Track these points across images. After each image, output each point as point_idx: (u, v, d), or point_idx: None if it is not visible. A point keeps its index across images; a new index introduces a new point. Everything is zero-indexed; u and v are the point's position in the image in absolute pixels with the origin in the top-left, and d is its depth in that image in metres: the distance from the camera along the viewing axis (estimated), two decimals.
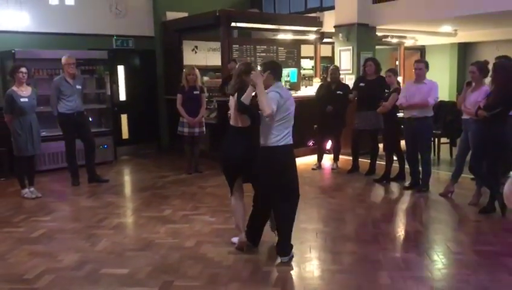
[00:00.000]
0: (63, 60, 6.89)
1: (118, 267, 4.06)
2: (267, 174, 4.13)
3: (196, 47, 10.32)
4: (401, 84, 7.09)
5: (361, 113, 7.23)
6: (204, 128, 7.74)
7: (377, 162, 7.40)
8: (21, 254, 4.42)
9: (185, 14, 9.83)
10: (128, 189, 7.41)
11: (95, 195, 6.55)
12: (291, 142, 4.18)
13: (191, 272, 3.92)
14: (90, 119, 7.93)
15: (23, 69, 6.29)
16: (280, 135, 4.06)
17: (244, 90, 4.08)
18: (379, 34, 9.70)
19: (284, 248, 4.16)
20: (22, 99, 6.23)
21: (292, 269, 4.02)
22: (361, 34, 8.85)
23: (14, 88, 6.29)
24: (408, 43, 11.76)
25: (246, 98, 4.03)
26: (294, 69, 10.42)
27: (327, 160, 8.20)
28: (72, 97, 6.86)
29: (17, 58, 7.50)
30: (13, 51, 7.69)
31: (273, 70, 4.12)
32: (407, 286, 3.64)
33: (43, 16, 8.49)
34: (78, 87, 7.01)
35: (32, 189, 6.49)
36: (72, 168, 7.11)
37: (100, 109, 8.99)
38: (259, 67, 4.46)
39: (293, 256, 4.17)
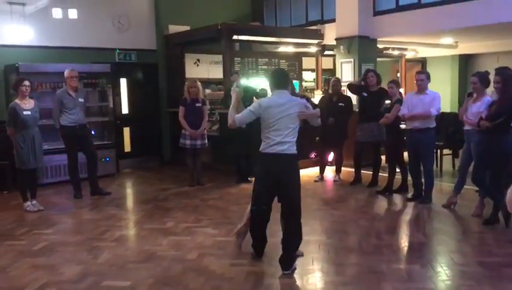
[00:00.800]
0: (66, 73, 6.94)
1: (119, 279, 4.04)
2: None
3: (198, 60, 10.39)
4: (403, 96, 7.09)
5: (364, 125, 7.23)
6: (206, 140, 7.75)
7: (380, 173, 7.39)
8: (22, 267, 4.40)
9: (187, 28, 9.91)
10: (130, 201, 7.41)
11: (97, 208, 6.55)
12: (285, 152, 4.11)
13: (193, 285, 3.89)
14: (93, 132, 7.95)
15: (27, 82, 6.32)
16: (265, 142, 4.16)
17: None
18: (380, 46, 9.75)
19: (288, 261, 4.13)
20: (24, 112, 6.26)
21: (295, 281, 3.99)
22: (363, 46, 8.90)
23: (17, 101, 6.32)
24: (409, 55, 11.82)
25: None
26: (296, 82, 10.42)
27: (329, 172, 8.19)
28: (74, 110, 6.89)
29: (20, 72, 7.55)
30: (17, 65, 7.76)
31: (269, 80, 4.36)
32: None
33: (46, 29, 8.58)
34: (81, 100, 7.04)
35: (34, 202, 6.48)
36: (75, 181, 7.12)
37: (103, 122, 9.02)
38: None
39: (295, 268, 4.14)
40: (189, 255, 4.59)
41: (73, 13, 8.16)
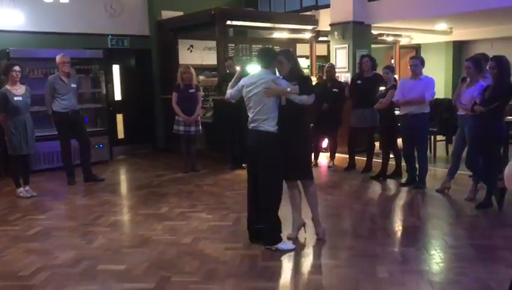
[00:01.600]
0: (58, 58, 6.86)
1: (114, 263, 4.03)
2: None
3: (192, 46, 10.30)
4: (397, 82, 7.09)
5: (358, 111, 7.22)
6: (200, 127, 7.72)
7: (374, 159, 7.40)
8: (17, 251, 4.38)
9: (180, 13, 9.81)
10: (124, 188, 7.39)
11: (91, 194, 6.52)
12: (257, 128, 4.20)
13: (188, 268, 3.89)
14: (85, 119, 7.89)
15: (17, 68, 6.25)
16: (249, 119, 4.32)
17: None
18: (374, 32, 9.73)
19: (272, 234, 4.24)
20: (15, 98, 6.19)
21: (289, 264, 4.00)
22: (357, 32, 8.87)
23: (8, 87, 6.24)
24: (403, 41, 11.79)
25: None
26: None
27: (323, 158, 8.20)
28: (66, 96, 6.82)
29: (11, 58, 7.44)
30: (8, 50, 7.65)
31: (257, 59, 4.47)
32: (405, 280, 3.62)
33: (37, 14, 8.46)
34: (73, 86, 6.98)
35: (27, 188, 6.44)
36: (68, 167, 7.07)
37: (95, 108, 8.95)
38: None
39: (279, 249, 4.20)
40: (184, 239, 4.58)
41: None
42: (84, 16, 9.09)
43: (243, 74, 5.08)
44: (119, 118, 9.60)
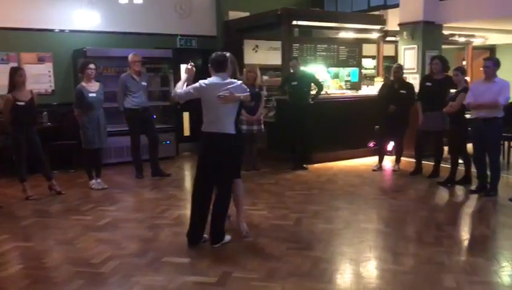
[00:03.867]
0: (130, 57, 7.16)
1: (178, 256, 4.15)
2: None
3: (257, 46, 10.39)
4: (469, 84, 6.78)
5: (427, 114, 6.98)
6: (262, 126, 7.77)
7: (441, 164, 7.13)
8: (88, 240, 4.63)
9: (247, 14, 9.93)
10: (189, 183, 7.55)
11: (157, 188, 6.76)
12: (213, 130, 4.44)
13: (250, 265, 3.94)
14: (153, 116, 8.17)
15: (92, 66, 6.59)
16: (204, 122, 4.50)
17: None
18: (445, 32, 9.35)
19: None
20: (90, 95, 6.52)
21: (352, 267, 3.95)
22: (427, 33, 8.58)
23: (83, 84, 6.59)
24: (477, 42, 11.25)
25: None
26: (355, 69, 10.25)
27: (387, 161, 8.01)
28: (137, 93, 7.12)
29: (87, 56, 7.86)
30: (84, 49, 8.09)
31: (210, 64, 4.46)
32: None
33: (112, 15, 8.88)
34: (144, 83, 7.26)
35: (99, 180, 6.78)
36: (137, 162, 7.37)
37: (164, 106, 9.25)
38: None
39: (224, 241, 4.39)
40: None
41: None
42: (155, 17, 9.43)
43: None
44: (186, 116, 9.86)
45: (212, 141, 4.43)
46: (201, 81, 4.36)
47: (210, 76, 4.43)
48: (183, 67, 9.45)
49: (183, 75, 4.62)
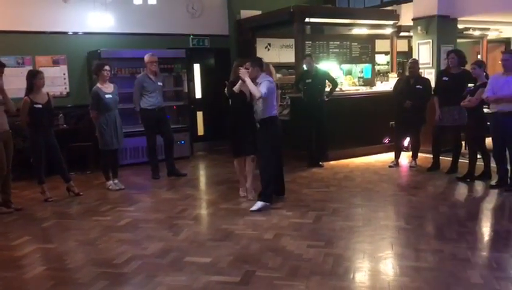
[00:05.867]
0: (146, 58, 7.17)
1: (200, 256, 4.15)
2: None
3: (269, 44, 10.36)
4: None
5: (444, 109, 6.91)
6: None
7: (460, 160, 7.06)
8: (110, 240, 4.64)
9: (259, 12, 9.90)
10: (205, 183, 7.60)
11: (174, 188, 6.77)
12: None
13: (272, 264, 3.92)
14: (167, 117, 8.18)
15: (107, 67, 6.61)
16: (276, 107, 5.70)
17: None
18: (459, 26, 9.23)
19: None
20: (106, 96, 6.54)
21: (374, 264, 3.91)
22: (442, 27, 8.47)
23: (99, 85, 6.62)
24: (491, 35, 11.10)
25: (236, 88, 5.60)
26: (369, 65, 10.18)
27: (404, 157, 7.94)
28: (154, 93, 7.14)
29: (102, 58, 7.89)
30: (99, 51, 8.13)
31: (260, 65, 5.61)
32: (501, 287, 3.41)
33: (125, 17, 8.90)
34: (160, 84, 7.29)
35: (116, 181, 6.81)
36: (153, 162, 7.39)
37: (178, 106, 9.26)
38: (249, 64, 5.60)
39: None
40: (265, 235, 4.63)
41: None
42: (168, 17, 9.44)
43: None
44: (199, 115, 9.90)
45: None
46: (270, 79, 5.60)
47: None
48: (195, 66, 9.68)
49: (247, 79, 5.42)
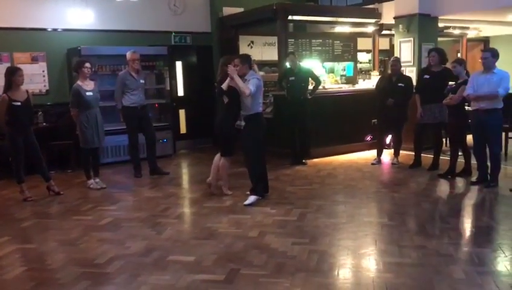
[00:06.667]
0: (128, 55, 7.07)
1: (184, 254, 4.11)
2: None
3: (252, 42, 10.33)
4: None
5: (425, 106, 6.97)
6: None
7: (440, 157, 7.14)
8: (91, 240, 4.57)
9: (241, 10, 9.87)
10: (188, 181, 7.54)
11: (157, 186, 6.70)
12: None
13: (257, 261, 3.91)
14: (150, 115, 8.10)
15: (88, 64, 6.51)
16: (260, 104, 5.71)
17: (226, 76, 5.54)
18: (440, 25, 9.34)
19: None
20: (87, 93, 6.45)
21: (359, 260, 3.93)
22: (423, 25, 8.56)
23: (79, 82, 6.51)
24: (471, 34, 11.28)
25: (224, 86, 5.56)
26: (351, 63, 10.25)
27: (386, 155, 8.00)
28: (136, 91, 7.05)
29: (82, 55, 7.76)
30: (79, 48, 7.99)
31: (249, 62, 5.61)
32: (483, 281, 3.46)
33: (106, 13, 8.78)
34: (142, 81, 7.20)
35: (97, 180, 6.71)
36: (135, 161, 7.31)
37: (160, 104, 9.18)
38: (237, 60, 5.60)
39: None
40: (250, 233, 4.61)
41: None
42: (149, 14, 9.33)
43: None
44: (182, 113, 9.82)
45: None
46: (257, 76, 5.64)
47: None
48: (178, 64, 9.59)
49: (236, 76, 5.41)
